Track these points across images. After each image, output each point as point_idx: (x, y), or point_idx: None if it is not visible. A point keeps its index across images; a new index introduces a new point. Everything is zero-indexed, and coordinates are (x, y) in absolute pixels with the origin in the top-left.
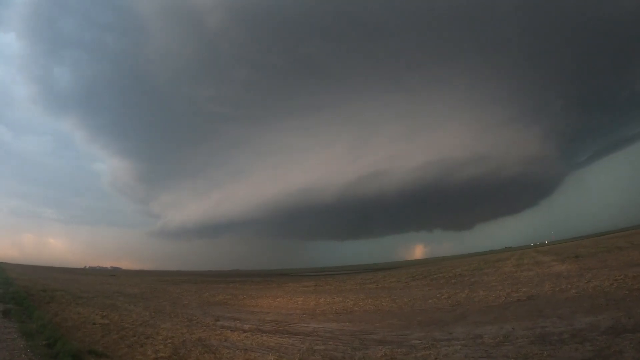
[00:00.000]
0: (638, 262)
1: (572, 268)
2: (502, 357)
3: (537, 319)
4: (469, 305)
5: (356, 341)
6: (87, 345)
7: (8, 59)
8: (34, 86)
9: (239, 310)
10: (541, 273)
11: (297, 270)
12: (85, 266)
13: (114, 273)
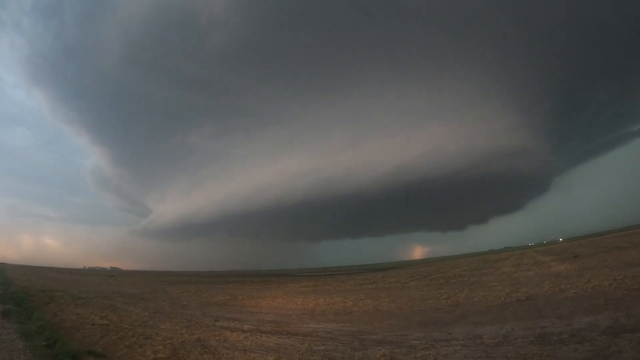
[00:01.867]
0: (637, 262)
1: (572, 268)
2: (501, 357)
3: (536, 319)
4: (468, 306)
5: (355, 341)
6: (87, 345)
7: None
8: (23, 74)
9: (238, 311)
10: (540, 273)
11: (297, 271)
12: (84, 266)
13: (113, 273)
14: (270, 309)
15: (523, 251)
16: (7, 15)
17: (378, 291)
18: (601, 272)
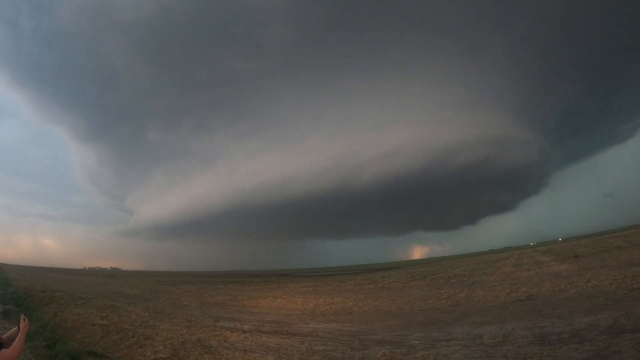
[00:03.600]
0: (637, 261)
1: (572, 268)
2: (501, 357)
3: (536, 318)
4: (469, 306)
5: (356, 341)
6: (87, 346)
7: None
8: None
9: (238, 311)
10: (540, 273)
11: (297, 271)
12: (85, 267)
13: (113, 274)
14: (271, 309)
15: (523, 251)
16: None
17: (378, 291)
18: (601, 271)
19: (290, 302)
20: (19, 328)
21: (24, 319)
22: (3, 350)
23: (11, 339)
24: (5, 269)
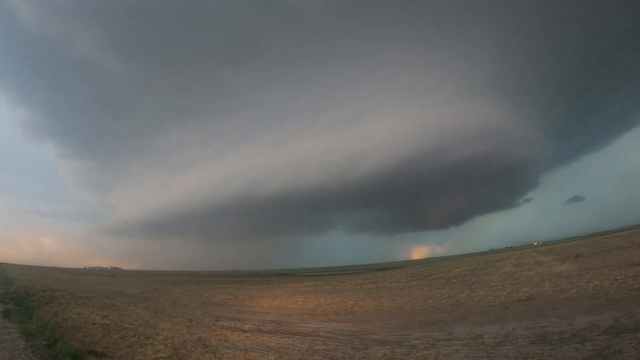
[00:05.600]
0: (638, 261)
1: (572, 268)
2: (502, 357)
3: (537, 318)
4: (469, 305)
5: (356, 341)
6: (87, 345)
7: None
8: None
9: (239, 311)
10: (541, 273)
11: (297, 270)
12: (85, 266)
13: (114, 273)
14: (271, 308)
15: (524, 251)
16: None
17: (379, 291)
18: (602, 271)
19: (291, 301)
20: None
21: None
22: None
23: None
24: (6, 268)
